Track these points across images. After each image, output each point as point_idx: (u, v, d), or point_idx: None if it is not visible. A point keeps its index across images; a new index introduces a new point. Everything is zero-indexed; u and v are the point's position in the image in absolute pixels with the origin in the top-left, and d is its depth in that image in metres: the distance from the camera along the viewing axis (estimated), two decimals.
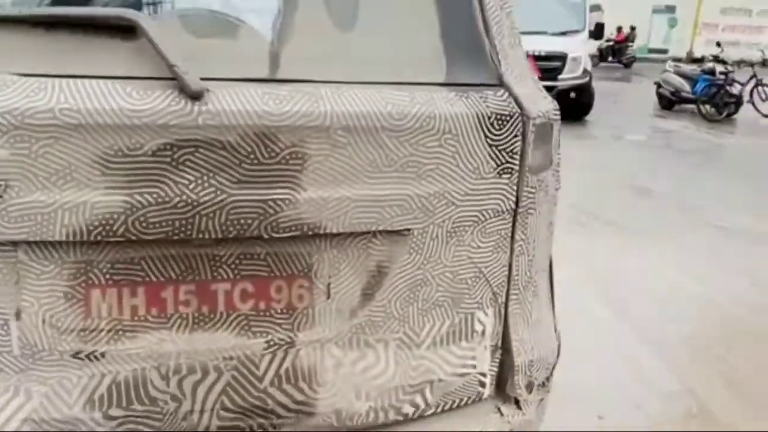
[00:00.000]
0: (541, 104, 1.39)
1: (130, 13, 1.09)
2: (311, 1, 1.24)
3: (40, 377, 1.15)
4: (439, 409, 1.40)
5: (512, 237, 1.40)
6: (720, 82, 10.75)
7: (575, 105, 10.31)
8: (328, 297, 1.28)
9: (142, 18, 1.09)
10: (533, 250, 1.45)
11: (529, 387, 1.48)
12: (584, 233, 4.65)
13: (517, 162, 1.35)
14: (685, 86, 11.34)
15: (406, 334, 1.34)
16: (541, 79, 10.16)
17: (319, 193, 1.19)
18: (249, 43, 1.21)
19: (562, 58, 10.12)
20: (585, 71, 10.35)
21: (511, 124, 1.32)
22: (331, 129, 1.17)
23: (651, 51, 25.20)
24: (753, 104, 11.00)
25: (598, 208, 5.33)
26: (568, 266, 3.92)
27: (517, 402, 1.47)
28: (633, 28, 22.65)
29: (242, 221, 1.16)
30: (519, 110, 1.32)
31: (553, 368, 1.56)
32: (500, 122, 1.31)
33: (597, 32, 11.16)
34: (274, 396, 1.26)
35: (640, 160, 7.69)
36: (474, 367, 1.42)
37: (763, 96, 11.03)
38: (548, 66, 9.93)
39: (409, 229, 1.28)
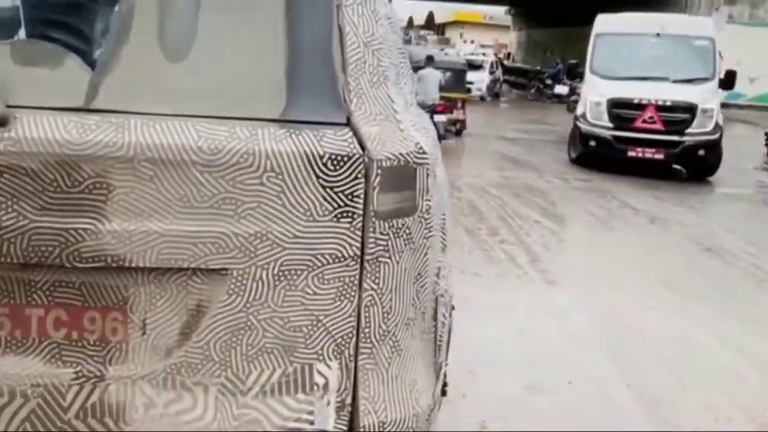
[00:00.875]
0: (397, 146, 1.30)
1: None
2: (141, 33, 1.24)
3: None
4: None
5: (360, 285, 1.30)
6: None
7: (702, 164, 8.92)
8: (144, 333, 1.24)
9: None
10: (390, 301, 1.34)
11: None
12: (624, 291, 4.30)
13: (359, 206, 1.26)
14: None
15: (229, 380, 1.27)
16: (664, 132, 8.66)
17: (123, 226, 1.17)
18: (68, 72, 1.23)
19: (690, 109, 8.76)
20: (717, 126, 8.88)
21: (350, 166, 1.24)
22: (135, 160, 1.16)
23: None
24: None
25: (650, 265, 4.93)
26: (586, 324, 3.65)
27: None
28: None
29: (43, 248, 1.16)
30: (361, 151, 1.25)
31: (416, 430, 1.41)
32: (336, 163, 1.23)
33: (728, 81, 9.59)
34: (77, 429, 1.23)
35: (727, 217, 7.08)
36: (311, 423, 1.32)
37: None
38: (673, 118, 8.75)
39: (227, 269, 1.23)
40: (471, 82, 21.72)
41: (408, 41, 61.76)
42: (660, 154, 8.73)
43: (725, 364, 3.33)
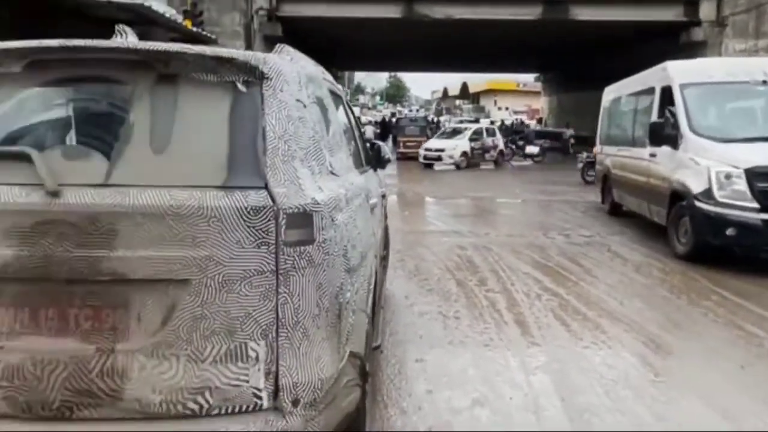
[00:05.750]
0: (298, 200, 2.03)
1: (27, 149, 1.97)
2: (139, 134, 2.05)
3: None
4: (223, 411, 2.00)
5: (277, 290, 2.01)
6: None
7: None
8: (139, 321, 1.98)
9: (32, 151, 1.96)
10: (299, 301, 2.03)
11: (295, 403, 2.03)
12: None
13: (273, 238, 1.99)
14: None
15: (193, 352, 1.98)
16: None
17: (126, 253, 1.93)
18: (93, 163, 2.02)
19: None
20: None
21: (266, 213, 1.98)
22: (133, 214, 1.92)
23: None
24: None
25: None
26: None
27: (283, 413, 2.02)
28: None
29: (80, 269, 1.93)
30: (272, 203, 1.98)
31: (321, 391, 2.06)
32: (256, 211, 1.98)
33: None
34: (97, 383, 1.95)
35: None
36: (247, 382, 2.00)
37: None
38: None
39: (188, 279, 1.96)
40: (442, 150, 20.51)
41: (440, 111, 63.42)
42: None
43: None
